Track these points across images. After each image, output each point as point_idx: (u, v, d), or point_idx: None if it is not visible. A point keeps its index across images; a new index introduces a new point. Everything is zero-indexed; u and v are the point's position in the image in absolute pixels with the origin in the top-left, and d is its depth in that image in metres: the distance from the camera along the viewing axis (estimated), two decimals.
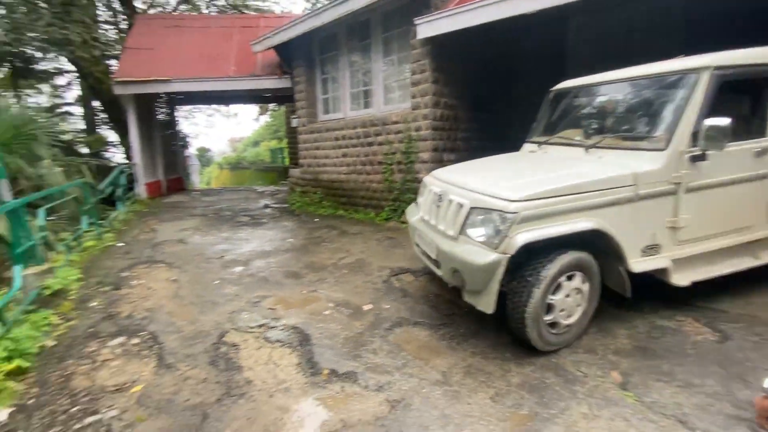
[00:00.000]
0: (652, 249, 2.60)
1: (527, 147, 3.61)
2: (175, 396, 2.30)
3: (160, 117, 10.73)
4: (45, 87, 15.83)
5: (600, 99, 3.24)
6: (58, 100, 16.39)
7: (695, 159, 2.55)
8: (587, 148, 2.94)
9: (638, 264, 2.53)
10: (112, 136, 15.33)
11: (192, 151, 20.87)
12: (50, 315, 3.13)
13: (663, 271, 2.62)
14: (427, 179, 3.28)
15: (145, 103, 9.80)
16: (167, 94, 10.28)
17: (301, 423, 2.03)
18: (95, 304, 3.54)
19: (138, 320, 3.24)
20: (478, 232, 2.44)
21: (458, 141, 6.11)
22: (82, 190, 5.45)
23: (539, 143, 3.47)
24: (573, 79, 3.53)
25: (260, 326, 3.09)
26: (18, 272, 2.93)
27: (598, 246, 2.50)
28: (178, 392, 2.34)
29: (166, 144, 10.78)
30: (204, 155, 37.00)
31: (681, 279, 2.65)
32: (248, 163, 23.48)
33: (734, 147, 2.63)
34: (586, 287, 2.52)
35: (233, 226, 6.49)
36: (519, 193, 2.32)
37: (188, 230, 6.21)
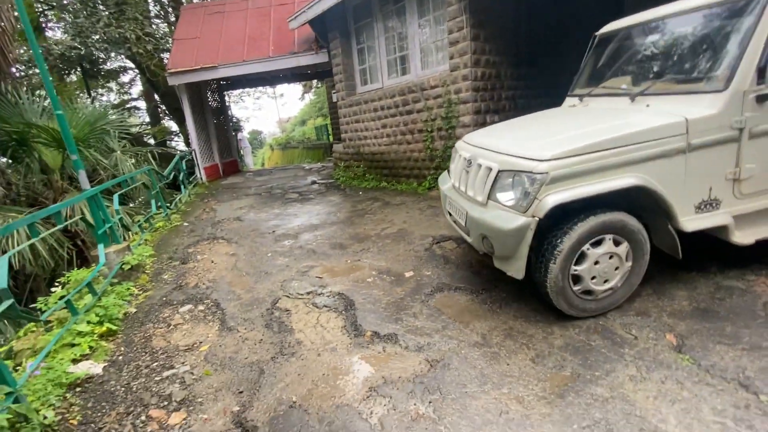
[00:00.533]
0: (709, 205, 2.33)
1: (568, 101, 3.34)
2: (236, 354, 2.57)
3: (212, 104, 11.31)
4: (113, 85, 17.37)
5: (649, 39, 2.85)
6: (125, 97, 17.93)
7: (762, 99, 2.20)
8: (633, 96, 2.63)
9: (691, 222, 2.29)
10: (174, 126, 16.57)
11: (244, 134, 21.93)
12: (131, 286, 3.58)
13: (722, 229, 2.35)
14: (458, 144, 3.18)
15: (197, 92, 10.37)
16: (215, 80, 10.77)
17: (345, 379, 2.18)
18: (167, 276, 3.97)
19: (203, 290, 3.59)
20: (507, 197, 2.34)
21: (503, 101, 5.80)
22: (149, 177, 6.01)
23: (581, 96, 3.19)
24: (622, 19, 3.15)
25: (309, 293, 3.29)
26: (101, 250, 3.37)
27: (644, 204, 2.30)
28: (238, 351, 2.60)
29: (219, 129, 11.41)
30: (256, 138, 38.65)
31: (744, 237, 2.35)
32: (296, 142, 24.18)
33: None
34: (621, 250, 2.29)
35: (283, 203, 6.82)
36: (549, 152, 2.17)
37: (244, 208, 6.64)
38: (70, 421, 1.98)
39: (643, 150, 2.18)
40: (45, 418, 1.84)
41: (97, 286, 3.18)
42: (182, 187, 7.86)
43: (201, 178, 9.79)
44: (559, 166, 2.13)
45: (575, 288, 2.31)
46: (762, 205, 2.40)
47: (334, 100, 10.54)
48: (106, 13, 9.93)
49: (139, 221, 5.06)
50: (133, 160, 7.25)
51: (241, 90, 19.88)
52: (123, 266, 3.63)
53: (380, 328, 2.62)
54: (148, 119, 16.92)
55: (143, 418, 2.05)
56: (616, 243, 2.29)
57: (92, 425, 1.99)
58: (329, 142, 15.87)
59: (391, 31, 6.71)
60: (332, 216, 5.59)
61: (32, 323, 2.66)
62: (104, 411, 2.10)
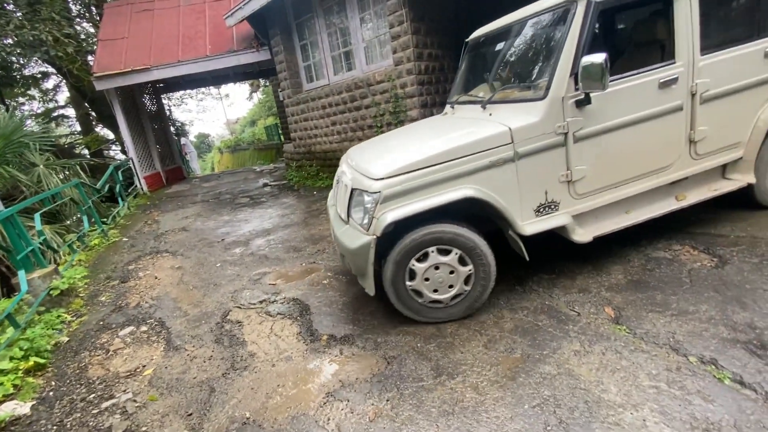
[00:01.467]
0: (548, 207, 2.42)
1: (446, 108, 3.35)
2: (183, 375, 2.41)
3: (149, 108, 10.59)
4: (35, 93, 15.75)
5: (502, 46, 2.93)
6: (50, 105, 16.32)
7: (580, 104, 2.29)
8: (483, 105, 2.70)
9: (531, 226, 2.38)
10: (110, 134, 15.36)
11: (189, 138, 20.78)
12: (62, 313, 3.27)
13: (563, 229, 2.46)
14: (342, 158, 3.10)
15: (131, 96, 9.67)
16: (150, 83, 10.09)
17: (301, 387, 2.11)
18: (104, 298, 3.66)
19: (145, 309, 3.35)
20: (358, 215, 2.35)
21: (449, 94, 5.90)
22: (78, 191, 5.51)
23: (452, 104, 3.23)
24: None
25: (261, 302, 3.17)
26: (23, 277, 3.03)
27: (490, 212, 2.37)
28: (186, 371, 2.45)
29: (159, 135, 10.72)
30: (204, 141, 36.76)
31: (583, 235, 2.47)
32: (246, 144, 23.34)
33: (628, 83, 2.40)
34: (450, 259, 2.28)
35: (233, 209, 6.54)
36: (382, 171, 2.24)
37: (190, 218, 6.29)
38: None
39: (473, 162, 2.24)
40: None
41: (21, 317, 2.87)
42: (120, 199, 7.31)
43: (142, 189, 9.17)
44: (390, 185, 2.18)
45: (420, 300, 2.37)
46: (598, 203, 2.52)
47: (281, 98, 10.23)
48: (18, 14, 8.96)
49: (69, 240, 4.63)
50: (62, 175, 6.63)
51: (181, 92, 18.80)
52: (51, 292, 3.30)
53: (337, 331, 2.57)
54: (78, 128, 15.57)
55: None
56: (444, 252, 2.28)
57: None
58: (280, 143, 15.45)
59: (333, 27, 6.59)
60: (286, 219, 5.43)
61: None
62: None
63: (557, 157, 2.36)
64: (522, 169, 2.31)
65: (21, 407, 2.15)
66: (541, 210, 2.42)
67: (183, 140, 15.72)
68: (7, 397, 2.24)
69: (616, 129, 2.42)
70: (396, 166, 2.23)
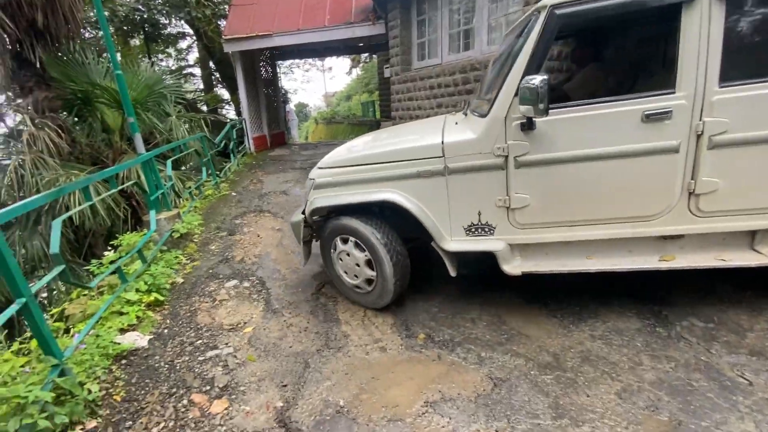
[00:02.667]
0: (480, 229, 2.29)
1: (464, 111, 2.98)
2: (280, 341, 2.43)
3: (264, 74, 11.26)
4: (172, 51, 17.83)
5: (498, 54, 2.73)
6: (182, 63, 18.40)
7: (524, 127, 2.05)
8: (464, 112, 2.68)
9: (458, 243, 2.31)
10: (226, 94, 16.86)
11: (292, 106, 22.01)
12: (179, 255, 3.56)
13: (495, 255, 2.26)
14: None
15: (251, 60, 10.32)
16: (269, 49, 10.67)
17: (397, 386, 1.97)
18: (214, 247, 3.93)
19: (249, 265, 3.51)
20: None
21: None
22: (202, 144, 6.02)
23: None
24: None
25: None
26: (153, 216, 3.35)
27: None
28: (282, 338, 2.47)
29: (269, 100, 11.39)
30: (302, 111, 38.88)
31: (515, 268, 2.25)
32: (341, 118, 24.02)
33: (592, 111, 2.02)
34: (356, 252, 2.50)
35: None
36: (322, 162, 2.59)
37: (290, 182, 6.56)
38: (114, 397, 1.92)
39: (401, 169, 2.29)
40: (89, 392, 1.78)
41: (147, 253, 3.16)
42: (232, 155, 7.92)
43: (249, 148, 9.86)
44: (321, 175, 2.51)
45: (347, 283, 2.67)
46: (546, 238, 2.23)
47: (386, 75, 10.08)
48: None
49: (189, 187, 5.09)
50: (187, 126, 7.34)
51: (290, 62, 19.83)
52: (173, 234, 3.61)
53: (435, 332, 2.38)
54: (202, 86, 17.30)
55: (185, 402, 1.96)
56: (356, 246, 2.51)
57: (135, 403, 1.93)
58: (376, 120, 15.53)
59: (456, 3, 6.18)
60: None
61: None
62: (147, 389, 2.03)
63: (495, 180, 2.19)
64: (453, 185, 2.25)
65: (140, 339, 2.33)
66: (473, 230, 2.31)
67: (288, 107, 16.63)
68: (131, 327, 2.47)
69: (572, 161, 2.08)
70: (331, 160, 2.58)
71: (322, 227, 2.66)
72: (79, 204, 4.99)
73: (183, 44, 17.58)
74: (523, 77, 1.95)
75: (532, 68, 2.00)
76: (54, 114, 5.66)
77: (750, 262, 2.06)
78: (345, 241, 2.54)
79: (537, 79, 1.84)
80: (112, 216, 5.38)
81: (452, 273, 2.37)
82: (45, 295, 5.16)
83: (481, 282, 2.87)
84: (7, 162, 4.87)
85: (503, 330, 2.36)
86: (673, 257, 2.19)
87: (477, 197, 2.24)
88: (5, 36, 4.85)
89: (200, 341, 2.47)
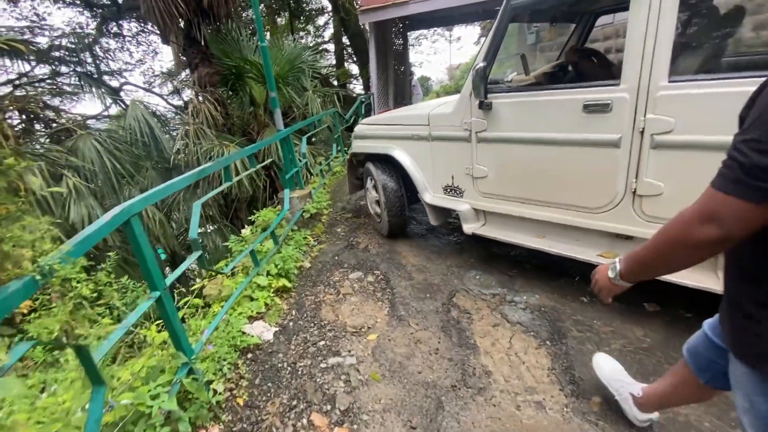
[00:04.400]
0: (453, 190, 2.73)
1: None
2: (407, 361, 2.07)
3: (395, 46, 10.95)
4: (311, 28, 18.90)
5: None
6: (318, 40, 19.41)
7: (482, 106, 2.34)
8: None
9: (435, 199, 2.84)
10: (354, 69, 17.29)
11: (416, 80, 21.56)
12: (307, 235, 3.49)
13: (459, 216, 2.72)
14: None
15: (383, 33, 10.06)
16: (402, 19, 10.24)
17: None
18: (339, 230, 3.79)
19: (372, 256, 3.24)
20: None
21: None
22: (333, 119, 6.01)
23: None
24: None
25: (495, 295, 2.56)
26: (287, 195, 3.30)
27: None
28: (410, 357, 2.10)
29: (397, 73, 11.09)
30: (424, 84, 38.15)
31: (470, 228, 2.65)
32: None
33: (537, 97, 2.17)
34: (373, 192, 3.34)
35: None
36: (364, 119, 3.53)
37: None
38: (237, 400, 1.80)
39: (403, 131, 2.94)
40: (215, 393, 1.65)
41: (279, 232, 3.12)
42: None
43: None
44: (359, 129, 3.38)
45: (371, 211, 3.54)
46: (500, 209, 2.51)
47: (530, 42, 8.83)
48: None
49: (320, 163, 5.10)
50: (320, 100, 7.50)
51: (419, 33, 19.21)
52: (303, 214, 3.55)
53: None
54: (334, 62, 18.03)
55: (305, 421, 1.73)
56: (374, 187, 3.30)
57: (256, 411, 1.78)
58: None
59: None
60: None
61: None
62: (269, 395, 1.88)
63: (463, 151, 2.56)
64: (434, 150, 2.76)
65: (267, 332, 2.22)
66: (448, 191, 2.77)
67: (413, 80, 16.25)
68: (259, 315, 2.38)
69: (519, 142, 2.29)
70: (369, 118, 3.51)
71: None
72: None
73: (320, 21, 18.51)
74: (477, 62, 2.22)
75: (488, 54, 2.22)
76: (213, 88, 6.24)
77: (699, 284, 1.82)
78: (369, 181, 3.31)
79: (479, 66, 2.18)
80: (254, 185, 5.79)
81: (432, 222, 2.95)
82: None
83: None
84: (176, 132, 5.52)
85: (715, 404, 1.56)
86: (614, 255, 2.10)
87: (451, 163, 2.67)
88: (178, 17, 5.39)
89: (323, 342, 2.26)
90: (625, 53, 1.80)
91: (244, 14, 10.88)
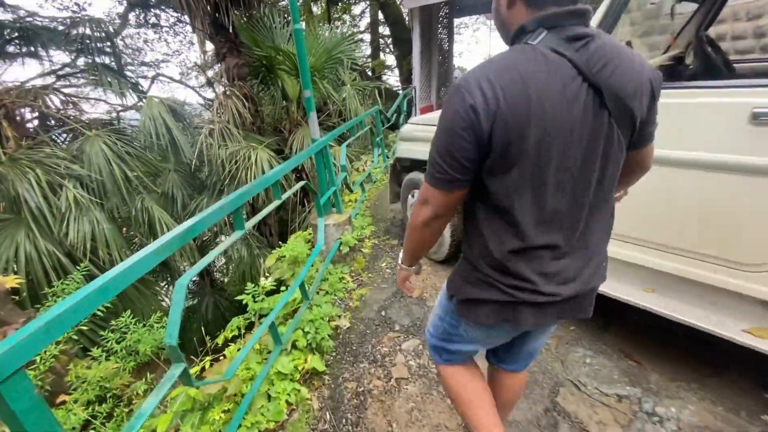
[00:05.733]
0: None
1: None
2: None
3: (440, 34, 9.95)
4: (347, 17, 18.10)
5: None
6: (354, 29, 18.59)
7: None
8: None
9: None
10: (389, 60, 16.41)
11: (459, 72, 20.34)
12: (345, 275, 2.73)
13: None
14: None
15: (428, 19, 9.11)
16: (448, 4, 9.24)
17: None
18: (384, 264, 3.00)
19: (428, 311, 2.43)
20: None
21: None
22: (376, 119, 5.21)
23: None
24: None
25: (621, 398, 1.70)
26: (321, 227, 2.54)
27: None
28: None
29: (440, 64, 10.11)
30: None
31: None
32: None
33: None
34: None
35: None
36: (412, 118, 3.11)
37: None
38: None
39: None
40: None
41: (310, 280, 2.37)
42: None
43: None
44: (405, 129, 2.93)
45: None
46: None
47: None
48: None
49: (358, 169, 4.31)
50: (359, 96, 6.70)
51: (460, 21, 17.99)
52: (341, 247, 2.78)
53: None
54: (368, 52, 17.19)
55: None
56: None
57: None
58: None
59: None
60: None
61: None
62: None
63: None
64: None
65: None
66: None
67: (456, 72, 15.16)
68: (279, 427, 1.62)
69: None
70: (416, 117, 3.10)
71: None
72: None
73: (356, 10, 17.69)
74: None
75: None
76: (242, 81, 5.58)
77: None
78: (411, 197, 2.93)
79: None
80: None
81: None
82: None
83: None
84: (201, 131, 4.91)
85: None
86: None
87: None
88: (204, 1, 4.74)
89: None
90: None
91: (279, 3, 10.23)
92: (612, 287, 1.88)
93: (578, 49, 0.77)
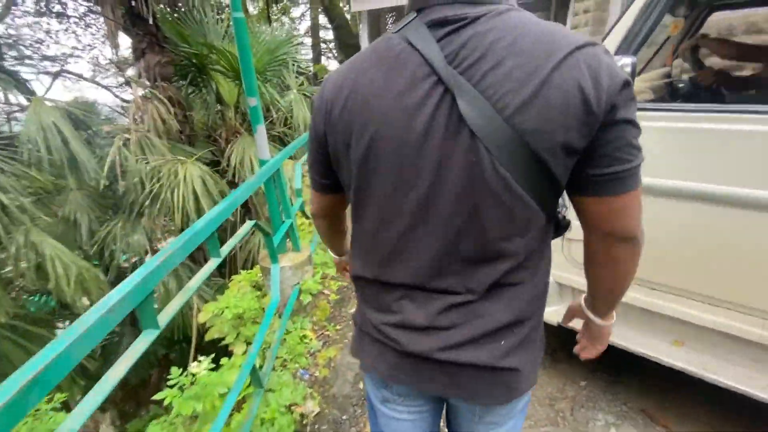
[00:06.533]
0: None
1: None
2: None
3: None
4: (285, 19, 17.30)
5: None
6: (294, 33, 17.82)
7: None
8: None
9: None
10: (332, 65, 16.01)
11: None
12: (307, 331, 2.15)
13: None
14: None
15: (376, 24, 8.76)
16: (397, 9, 8.98)
17: None
18: (354, 310, 2.48)
19: None
20: None
21: None
22: None
23: None
24: None
25: None
26: (275, 275, 1.93)
27: None
28: None
29: None
30: None
31: (551, 312, 1.85)
32: None
33: (676, 122, 1.44)
34: None
35: None
36: None
37: None
38: None
39: None
40: None
41: (263, 359, 1.78)
42: None
43: None
44: None
45: None
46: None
47: None
48: None
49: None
50: (306, 104, 6.09)
51: None
52: (300, 297, 2.20)
53: None
54: (311, 56, 16.59)
55: None
56: None
57: None
58: None
59: None
60: None
61: None
62: None
63: None
64: None
65: None
66: None
67: None
68: None
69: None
70: None
71: None
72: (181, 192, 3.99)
73: (296, 12, 17.01)
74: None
75: (631, 46, 1.50)
76: (166, 82, 4.72)
77: None
78: None
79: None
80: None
81: None
82: None
83: None
84: (110, 144, 3.99)
85: None
86: None
87: None
88: None
89: None
90: None
91: None
92: (627, 337, 1.61)
93: (440, 39, 0.57)
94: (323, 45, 18.15)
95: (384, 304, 0.71)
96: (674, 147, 1.40)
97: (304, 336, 2.11)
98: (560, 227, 0.70)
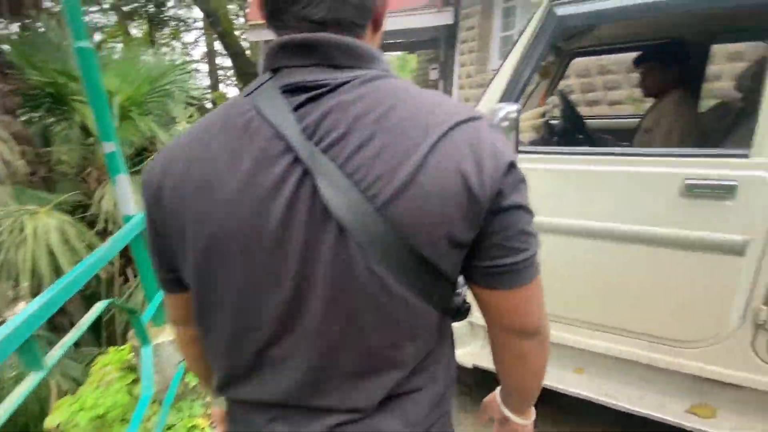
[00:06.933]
0: None
1: None
2: None
3: None
4: (177, 44, 16.15)
5: None
6: (187, 58, 16.68)
7: None
8: None
9: None
10: (231, 92, 15.36)
11: None
12: (198, 417, 1.78)
13: None
14: None
15: None
16: None
17: None
18: None
19: None
20: None
21: None
22: None
23: None
24: None
25: None
26: (148, 357, 1.54)
27: None
28: None
29: None
30: None
31: (464, 354, 1.87)
32: None
33: (586, 165, 1.51)
34: None
35: None
36: None
37: None
38: None
39: None
40: None
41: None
42: None
43: None
44: None
45: None
46: None
47: (433, 78, 8.46)
48: None
49: None
50: None
51: None
52: (186, 377, 1.82)
53: None
54: (207, 83, 15.68)
55: None
56: None
57: None
58: None
59: None
60: None
61: None
62: None
63: None
64: None
65: None
66: None
67: None
68: None
69: (555, 232, 1.51)
70: None
71: None
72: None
73: (189, 37, 16.05)
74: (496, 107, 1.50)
75: (515, 93, 1.56)
76: (10, 116, 3.87)
77: None
78: None
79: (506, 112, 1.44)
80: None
81: None
82: None
83: None
84: None
85: None
86: (713, 413, 1.43)
87: None
88: None
89: None
90: (763, 106, 1.18)
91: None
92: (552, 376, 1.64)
93: (297, 107, 0.46)
94: (221, 72, 17.31)
95: (253, 427, 0.57)
96: (553, 186, 1.52)
97: (194, 427, 1.73)
98: (460, 312, 0.59)
